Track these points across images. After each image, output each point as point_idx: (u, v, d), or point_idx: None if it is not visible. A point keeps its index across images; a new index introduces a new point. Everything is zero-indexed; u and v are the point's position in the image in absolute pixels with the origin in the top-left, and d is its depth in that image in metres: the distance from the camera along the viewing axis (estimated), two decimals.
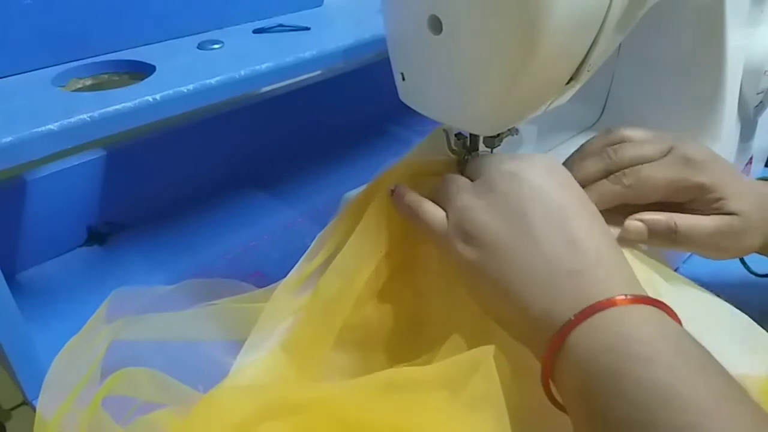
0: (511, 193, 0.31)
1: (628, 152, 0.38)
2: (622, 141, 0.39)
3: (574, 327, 0.27)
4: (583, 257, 0.29)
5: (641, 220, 0.36)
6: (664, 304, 0.28)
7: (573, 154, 0.41)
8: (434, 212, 0.34)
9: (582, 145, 0.41)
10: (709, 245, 0.36)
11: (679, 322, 0.28)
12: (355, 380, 0.34)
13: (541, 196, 0.31)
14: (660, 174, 0.36)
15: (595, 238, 0.30)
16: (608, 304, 0.27)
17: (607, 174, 0.38)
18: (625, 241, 0.36)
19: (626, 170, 0.37)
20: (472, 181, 0.35)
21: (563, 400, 0.28)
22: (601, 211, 0.32)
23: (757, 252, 0.38)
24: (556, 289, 0.28)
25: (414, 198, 0.36)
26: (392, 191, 0.37)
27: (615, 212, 0.37)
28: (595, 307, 0.27)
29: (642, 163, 0.37)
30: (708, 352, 0.26)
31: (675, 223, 0.36)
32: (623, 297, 0.27)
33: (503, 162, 0.33)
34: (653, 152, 0.37)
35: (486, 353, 0.30)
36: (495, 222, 0.31)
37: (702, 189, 0.36)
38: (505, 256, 0.30)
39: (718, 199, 0.36)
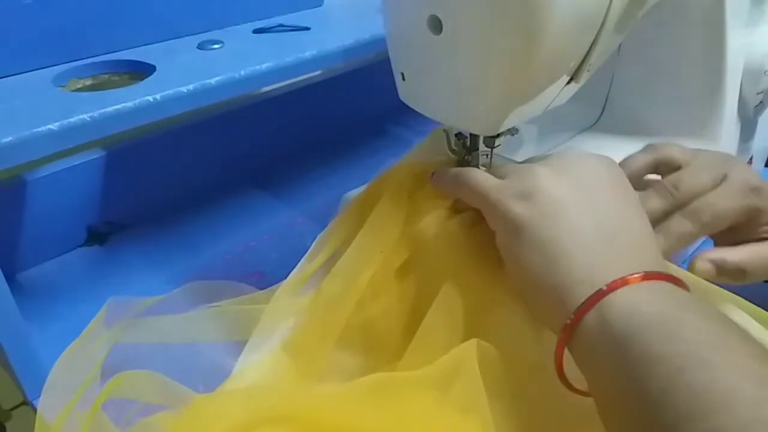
0: (579, 169, 0.32)
1: (689, 185, 0.37)
2: (667, 161, 0.39)
3: (621, 286, 0.27)
4: (635, 240, 0.30)
5: (710, 260, 0.36)
6: (684, 283, 0.29)
7: None
8: (485, 175, 0.34)
9: (620, 164, 0.39)
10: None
11: None
12: (344, 385, 0.34)
13: (603, 179, 0.32)
14: (732, 205, 0.36)
15: (646, 230, 0.31)
16: (657, 276, 0.28)
17: (671, 211, 0.37)
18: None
19: (697, 206, 0.36)
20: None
21: (586, 363, 0.28)
22: None
23: None
24: (603, 261, 0.29)
25: (460, 168, 0.36)
26: (432, 174, 0.38)
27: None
28: (645, 275, 0.28)
29: (704, 194, 0.37)
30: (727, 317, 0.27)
31: (744, 266, 0.36)
32: (647, 273, 0.28)
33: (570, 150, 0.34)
34: (711, 180, 0.37)
35: (469, 351, 0.30)
36: (557, 185, 0.31)
37: (760, 213, 0.36)
38: (560, 219, 0.30)
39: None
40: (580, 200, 0.31)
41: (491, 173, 0.35)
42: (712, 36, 0.47)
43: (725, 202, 0.36)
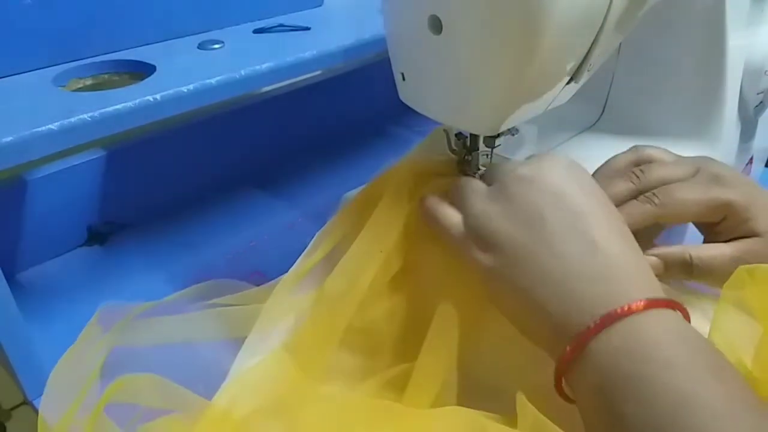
0: (527, 199, 0.31)
1: (656, 172, 0.37)
2: (648, 161, 0.38)
3: (594, 334, 0.27)
4: (603, 264, 0.29)
5: (656, 255, 0.35)
6: (679, 305, 0.28)
7: (596, 171, 0.40)
8: (451, 217, 0.34)
9: (605, 163, 0.40)
10: (729, 275, 0.34)
11: (689, 320, 0.28)
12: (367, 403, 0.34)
13: (559, 201, 0.30)
14: (691, 193, 0.35)
15: (615, 244, 0.30)
16: (627, 311, 0.27)
17: (635, 194, 0.37)
18: None
19: (657, 189, 0.36)
20: (488, 185, 0.34)
21: (577, 400, 0.28)
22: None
23: None
24: (575, 295, 0.28)
25: (433, 201, 0.36)
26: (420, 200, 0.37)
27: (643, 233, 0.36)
28: (613, 315, 0.27)
29: (671, 183, 0.36)
30: (721, 354, 0.26)
31: (690, 255, 0.35)
32: (640, 302, 0.27)
33: (519, 167, 0.33)
34: (682, 173, 0.37)
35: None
36: (511, 228, 0.31)
37: (731, 207, 0.35)
38: (522, 263, 0.30)
39: (747, 219, 0.35)
40: (539, 241, 0.30)
41: (453, 195, 0.35)
42: (712, 36, 0.47)
43: (684, 189, 0.36)
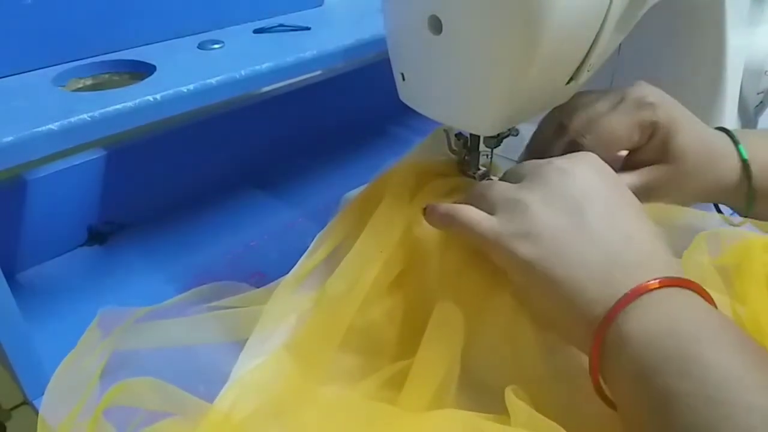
0: (565, 188, 0.31)
1: (580, 116, 0.38)
2: (571, 112, 0.39)
3: (623, 307, 0.27)
4: (639, 252, 0.29)
5: None
6: (701, 288, 0.28)
7: (526, 146, 0.42)
8: (476, 214, 0.33)
9: (532, 137, 0.42)
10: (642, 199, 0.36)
11: (714, 303, 0.28)
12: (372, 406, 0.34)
13: (593, 191, 0.31)
14: (615, 122, 0.37)
15: (646, 234, 0.30)
16: (648, 287, 0.27)
17: (574, 145, 0.38)
18: None
19: (582, 127, 0.37)
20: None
21: (617, 396, 0.28)
22: None
23: (700, 201, 0.40)
24: (615, 282, 0.28)
25: (449, 206, 0.35)
26: (424, 210, 0.36)
27: None
28: (639, 289, 0.27)
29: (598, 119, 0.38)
30: (740, 329, 0.27)
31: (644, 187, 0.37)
32: (662, 279, 0.27)
33: (551, 161, 0.33)
34: (606, 105, 0.38)
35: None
36: (550, 215, 0.31)
37: (656, 127, 0.37)
38: (564, 250, 0.30)
39: (669, 137, 0.37)
40: (579, 225, 0.30)
41: (476, 200, 0.34)
42: (712, 36, 0.47)
43: (609, 119, 0.37)
